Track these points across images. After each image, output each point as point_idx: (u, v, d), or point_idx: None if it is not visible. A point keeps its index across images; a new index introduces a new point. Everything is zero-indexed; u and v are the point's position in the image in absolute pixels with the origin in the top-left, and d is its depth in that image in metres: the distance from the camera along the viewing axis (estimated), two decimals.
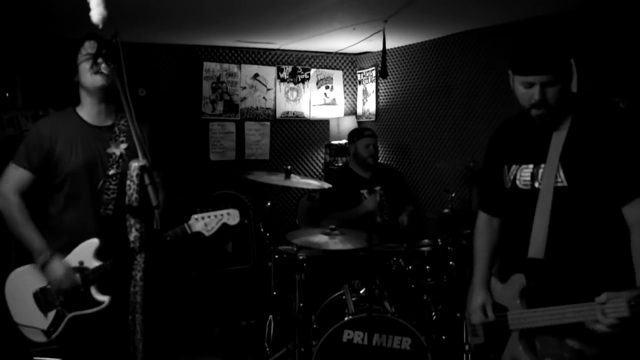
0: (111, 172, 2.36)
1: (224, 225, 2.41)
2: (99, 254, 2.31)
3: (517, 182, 2.02)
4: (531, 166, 1.98)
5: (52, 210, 2.39)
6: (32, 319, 2.33)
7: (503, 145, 2.13)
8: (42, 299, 2.34)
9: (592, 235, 1.90)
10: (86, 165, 2.34)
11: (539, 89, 1.83)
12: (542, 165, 1.94)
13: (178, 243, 2.35)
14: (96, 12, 1.97)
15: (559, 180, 1.89)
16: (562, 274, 1.93)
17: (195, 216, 2.37)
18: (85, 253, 2.32)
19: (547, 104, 1.85)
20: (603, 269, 1.87)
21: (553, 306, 1.85)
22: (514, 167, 2.04)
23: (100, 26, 1.98)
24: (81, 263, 2.31)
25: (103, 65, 2.25)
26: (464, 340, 3.24)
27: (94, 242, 2.31)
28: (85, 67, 2.30)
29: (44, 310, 2.33)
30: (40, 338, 2.34)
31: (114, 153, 2.38)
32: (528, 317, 1.94)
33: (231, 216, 2.42)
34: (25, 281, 2.36)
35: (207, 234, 2.38)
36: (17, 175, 2.34)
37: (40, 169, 2.34)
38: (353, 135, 4.19)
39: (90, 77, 2.30)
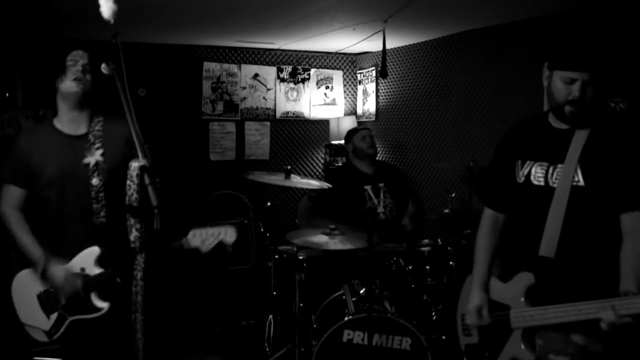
0: (94, 181, 2.35)
1: (221, 243, 2.39)
2: (100, 261, 2.34)
3: (532, 178, 2.03)
4: (546, 164, 2.00)
5: (48, 221, 2.41)
6: (35, 319, 2.38)
7: (517, 141, 2.13)
8: (45, 300, 2.38)
9: (604, 237, 1.92)
10: (62, 174, 2.35)
11: (580, 85, 1.86)
12: (559, 165, 1.96)
13: (175, 257, 2.39)
14: (106, 7, 1.99)
15: (576, 180, 1.92)
16: (572, 274, 1.93)
17: (193, 232, 2.37)
18: (87, 260, 2.35)
19: (583, 103, 1.88)
20: (613, 269, 1.88)
21: (563, 304, 1.86)
22: (528, 162, 2.05)
23: (112, 21, 1.99)
24: (83, 270, 2.34)
25: (79, 74, 2.31)
26: None
27: (95, 250, 2.33)
28: (66, 72, 2.34)
29: (47, 312, 2.38)
30: (43, 338, 2.40)
31: (89, 162, 2.36)
32: (536, 314, 1.94)
33: (228, 234, 2.39)
34: (30, 282, 2.39)
35: (204, 250, 2.37)
36: (9, 193, 2.40)
37: (26, 182, 2.37)
38: (348, 135, 4.26)
39: (67, 82, 2.34)
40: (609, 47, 3.28)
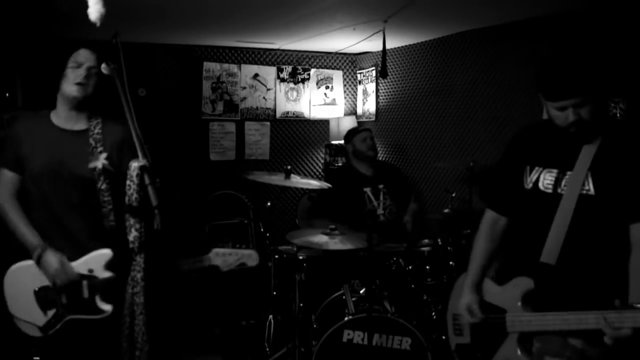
0: (100, 185, 2.35)
1: (242, 264, 2.43)
2: (109, 265, 2.32)
3: (540, 184, 2.01)
4: (556, 171, 1.98)
5: (33, 215, 2.37)
6: (30, 314, 2.34)
7: (527, 146, 2.10)
8: (44, 297, 2.33)
9: (607, 247, 1.90)
10: (51, 168, 2.32)
11: (572, 110, 1.85)
12: (569, 173, 1.94)
13: (194, 274, 2.41)
14: (94, 9, 1.97)
15: (586, 188, 1.90)
16: (572, 282, 1.92)
17: (216, 250, 2.40)
18: (97, 262, 2.33)
19: (582, 122, 1.86)
20: (614, 280, 1.87)
21: (562, 311, 1.85)
22: (537, 169, 2.03)
23: (98, 24, 1.98)
24: (90, 271, 2.32)
25: (82, 79, 2.28)
26: None
27: (106, 253, 2.32)
28: (68, 74, 2.32)
29: (44, 308, 2.34)
30: (35, 333, 2.35)
31: (96, 167, 2.35)
32: (534, 320, 1.94)
33: (251, 258, 2.43)
34: (27, 276, 2.34)
35: (224, 269, 2.41)
36: (4, 178, 2.36)
37: (17, 167, 2.34)
38: (348, 135, 4.20)
39: (68, 85, 2.32)
40: (608, 47, 3.29)
